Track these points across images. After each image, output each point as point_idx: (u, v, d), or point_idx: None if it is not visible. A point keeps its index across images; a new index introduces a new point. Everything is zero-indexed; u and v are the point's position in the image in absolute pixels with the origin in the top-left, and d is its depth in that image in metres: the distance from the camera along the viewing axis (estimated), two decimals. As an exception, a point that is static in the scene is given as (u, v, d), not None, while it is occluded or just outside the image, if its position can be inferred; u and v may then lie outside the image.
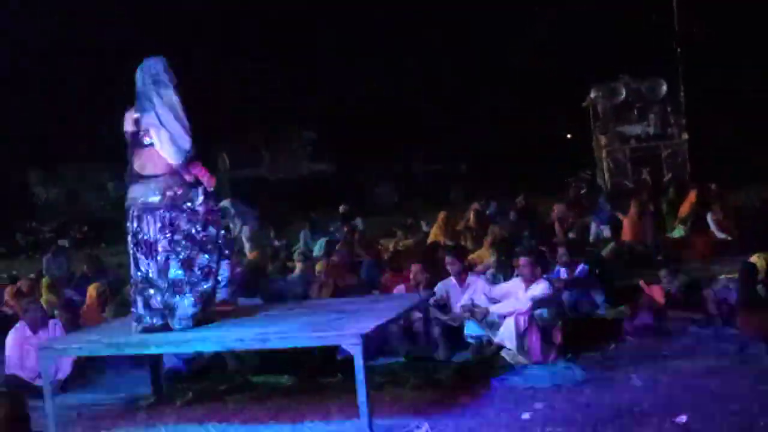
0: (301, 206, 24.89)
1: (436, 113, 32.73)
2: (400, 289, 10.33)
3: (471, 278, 9.72)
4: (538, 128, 31.69)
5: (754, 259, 9.28)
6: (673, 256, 12.25)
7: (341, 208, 19.74)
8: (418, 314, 9.00)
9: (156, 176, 7.62)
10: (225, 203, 17.22)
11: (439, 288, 9.69)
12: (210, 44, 30.43)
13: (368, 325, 6.98)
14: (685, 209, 15.44)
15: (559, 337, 8.54)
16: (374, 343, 8.09)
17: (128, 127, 7.72)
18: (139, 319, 7.63)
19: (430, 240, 15.26)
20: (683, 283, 9.90)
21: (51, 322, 9.56)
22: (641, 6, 26.80)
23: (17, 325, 9.56)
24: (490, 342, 8.71)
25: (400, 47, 31.53)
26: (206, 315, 7.73)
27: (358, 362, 6.59)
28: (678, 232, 14.63)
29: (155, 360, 8.62)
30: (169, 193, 7.58)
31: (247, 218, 17.83)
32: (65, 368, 9.08)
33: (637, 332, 9.09)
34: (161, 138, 7.53)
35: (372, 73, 31.64)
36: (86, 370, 9.39)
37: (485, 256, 12.46)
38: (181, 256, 7.58)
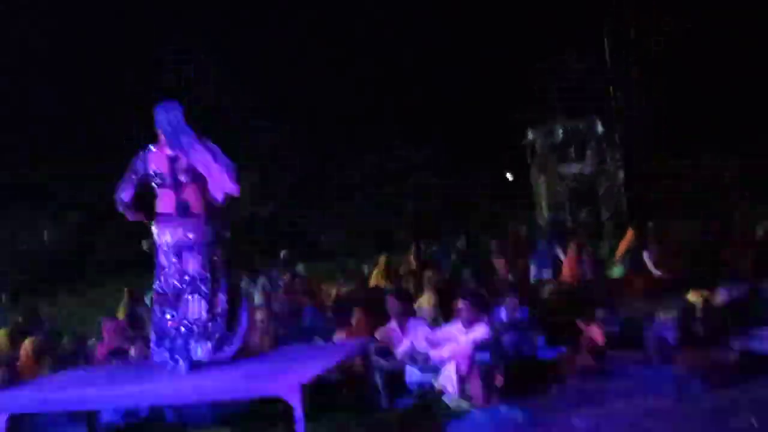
0: (240, 251, 24.65)
1: (379, 156, 32.69)
2: (341, 335, 10.26)
3: (412, 322, 9.69)
4: (478, 169, 31.81)
5: (691, 296, 9.40)
6: (613, 295, 12.39)
7: (282, 254, 19.58)
8: (359, 360, 8.93)
9: (197, 214, 7.51)
10: None
11: (380, 333, 9.64)
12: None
13: (308, 374, 6.90)
14: (622, 248, 15.58)
15: (501, 380, 8.53)
16: (315, 391, 8.02)
17: (157, 167, 7.53)
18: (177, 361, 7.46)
19: (371, 284, 15.20)
20: (623, 323, 9.96)
21: (-16, 378, 9.34)
22: (574, 45, 27.15)
23: (-51, 382, 9.33)
24: (432, 387, 8.67)
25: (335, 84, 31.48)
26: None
27: (298, 413, 6.50)
28: (617, 271, 14.75)
29: (92, 416, 8.44)
30: (211, 231, 7.51)
31: None
32: (-1, 426, 8.85)
33: (577, 373, 9.11)
34: (214, 172, 7.42)
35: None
36: (21, 426, 9.15)
37: (427, 300, 12.42)
38: (208, 296, 7.51)
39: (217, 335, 7.54)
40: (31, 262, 28.07)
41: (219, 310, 7.56)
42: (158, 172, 7.52)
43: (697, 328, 9.10)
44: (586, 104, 25.88)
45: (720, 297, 9.77)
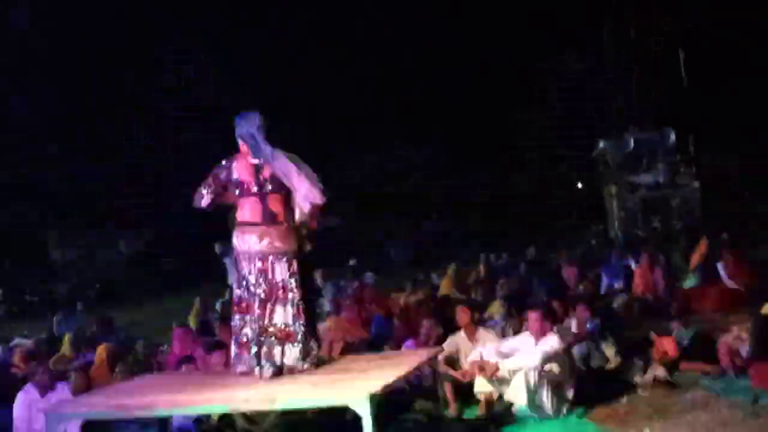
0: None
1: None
2: (410, 344, 10.27)
3: (480, 332, 9.64)
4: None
5: (766, 309, 9.23)
6: (685, 306, 12.22)
7: (351, 262, 19.69)
8: (428, 370, 8.93)
9: (282, 222, 7.61)
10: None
11: (449, 343, 9.61)
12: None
13: (376, 384, 6.91)
14: (696, 259, 15.35)
15: (571, 392, 8.47)
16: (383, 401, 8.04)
17: (241, 176, 7.62)
18: (262, 367, 7.54)
19: (440, 293, 15.20)
20: (695, 335, 9.82)
21: (59, 384, 9.52)
22: (651, 58, 26.88)
23: (26, 387, 9.53)
24: (500, 398, 8.63)
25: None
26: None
27: (366, 422, 6.51)
28: (690, 282, 14.53)
29: (164, 421, 8.56)
30: (295, 239, 7.62)
31: None
32: (73, 431, 9.01)
33: (649, 385, 9.00)
34: (299, 182, 7.54)
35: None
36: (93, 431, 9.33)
37: (497, 311, 12.40)
38: (298, 304, 7.63)
39: (302, 342, 7.62)
40: (108, 273, 28.54)
41: (304, 317, 7.65)
42: (243, 180, 7.62)
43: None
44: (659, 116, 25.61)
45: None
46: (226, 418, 9.02)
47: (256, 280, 7.60)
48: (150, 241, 29.91)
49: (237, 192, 7.66)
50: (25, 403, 9.28)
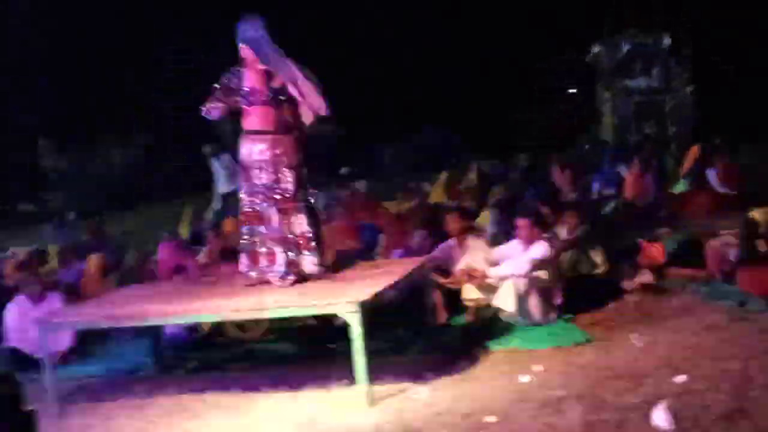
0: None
1: (441, 74, 32.31)
2: (399, 253, 10.29)
3: (470, 240, 9.64)
4: (541, 83, 31.36)
5: (754, 214, 9.24)
6: (675, 212, 12.24)
7: (343, 170, 19.54)
8: (418, 278, 8.96)
9: (294, 130, 7.60)
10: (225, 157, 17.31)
11: (439, 250, 9.64)
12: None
13: (365, 292, 6.95)
14: (687, 164, 15.32)
15: (559, 298, 8.53)
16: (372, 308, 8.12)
17: (251, 83, 7.56)
18: (284, 275, 7.61)
19: (431, 201, 15.17)
20: (684, 240, 9.85)
21: (50, 294, 9.57)
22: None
23: (17, 297, 9.58)
24: (489, 305, 8.68)
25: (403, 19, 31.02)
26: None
27: (355, 330, 6.57)
28: (680, 186, 14.52)
29: (156, 329, 8.64)
30: (302, 148, 7.64)
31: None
32: (65, 341, 9.10)
33: (637, 291, 9.07)
34: (307, 89, 7.45)
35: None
36: (87, 341, 9.41)
37: (485, 221, 12.38)
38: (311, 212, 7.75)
39: (318, 249, 7.67)
40: (100, 184, 28.46)
41: (316, 225, 7.73)
42: (254, 88, 7.52)
43: (759, 247, 8.96)
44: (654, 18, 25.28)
45: (785, 214, 9.59)
46: (218, 327, 9.11)
47: (272, 189, 7.55)
48: (146, 146, 29.76)
49: (247, 100, 7.57)
50: (16, 313, 9.35)
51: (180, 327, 9.16)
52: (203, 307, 7.40)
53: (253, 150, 7.59)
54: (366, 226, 12.80)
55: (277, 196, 7.59)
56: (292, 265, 7.62)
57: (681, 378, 6.25)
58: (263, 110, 7.55)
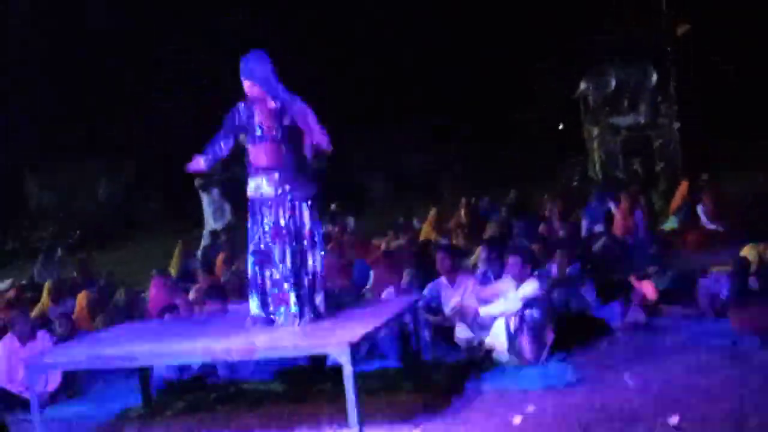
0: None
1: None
2: (390, 291, 10.25)
3: (461, 278, 9.62)
4: (530, 119, 31.45)
5: (745, 251, 9.27)
6: (665, 249, 12.25)
7: (332, 207, 19.59)
8: (408, 316, 8.92)
9: (306, 167, 7.58)
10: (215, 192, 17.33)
11: (430, 288, 9.62)
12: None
13: (357, 332, 6.91)
14: (676, 201, 15.38)
15: (551, 337, 8.49)
16: (365, 347, 8.09)
17: (262, 120, 7.50)
18: (297, 315, 7.52)
19: (421, 238, 15.18)
20: (675, 278, 9.86)
21: (39, 333, 9.49)
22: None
23: (6, 336, 9.50)
24: (480, 344, 8.64)
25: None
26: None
27: (347, 371, 6.53)
28: (670, 224, 14.57)
29: (145, 369, 8.56)
30: (313, 183, 7.62)
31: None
32: (54, 380, 9.01)
33: (628, 329, 9.05)
34: (315, 125, 7.45)
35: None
36: (76, 380, 9.33)
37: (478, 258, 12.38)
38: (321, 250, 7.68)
39: (325, 287, 7.64)
40: (86, 217, 28.39)
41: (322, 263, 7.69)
42: (264, 124, 7.49)
43: (751, 284, 8.98)
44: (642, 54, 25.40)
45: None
46: (208, 368, 9.04)
47: (285, 227, 7.49)
48: (133, 176, 29.72)
49: (254, 135, 7.52)
50: (5, 353, 9.25)
51: (170, 368, 9.08)
52: (193, 349, 7.34)
53: (264, 187, 7.53)
54: (357, 264, 12.79)
55: (287, 234, 7.51)
56: (305, 305, 7.53)
57: (674, 419, 6.22)
58: (272, 146, 7.50)
